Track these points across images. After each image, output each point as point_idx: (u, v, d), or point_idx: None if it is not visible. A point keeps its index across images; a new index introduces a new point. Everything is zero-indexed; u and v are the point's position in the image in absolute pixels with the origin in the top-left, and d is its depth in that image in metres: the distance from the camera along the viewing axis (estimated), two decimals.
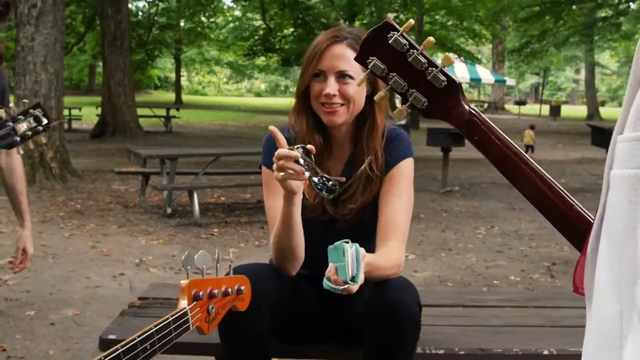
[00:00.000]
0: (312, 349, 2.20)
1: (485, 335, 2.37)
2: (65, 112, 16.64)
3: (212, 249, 1.61)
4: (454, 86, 1.30)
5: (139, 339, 1.23)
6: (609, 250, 0.70)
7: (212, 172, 8.93)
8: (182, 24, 35.18)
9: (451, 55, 1.33)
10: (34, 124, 2.09)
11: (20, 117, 2.07)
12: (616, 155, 0.70)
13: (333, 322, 2.15)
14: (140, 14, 34.62)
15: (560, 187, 1.28)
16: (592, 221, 1.20)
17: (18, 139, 2.07)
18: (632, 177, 0.67)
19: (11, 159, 2.69)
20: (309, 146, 1.83)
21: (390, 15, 23.60)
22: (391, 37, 1.27)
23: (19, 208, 2.70)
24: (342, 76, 2.03)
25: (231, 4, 36.84)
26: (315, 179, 1.83)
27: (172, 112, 21.68)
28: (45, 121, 2.13)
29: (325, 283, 1.68)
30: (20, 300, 4.58)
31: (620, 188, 0.68)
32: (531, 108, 43.85)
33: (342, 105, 2.04)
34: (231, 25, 37.86)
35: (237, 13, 37.57)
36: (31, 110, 2.11)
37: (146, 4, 35.64)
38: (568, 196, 1.27)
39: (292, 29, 28.55)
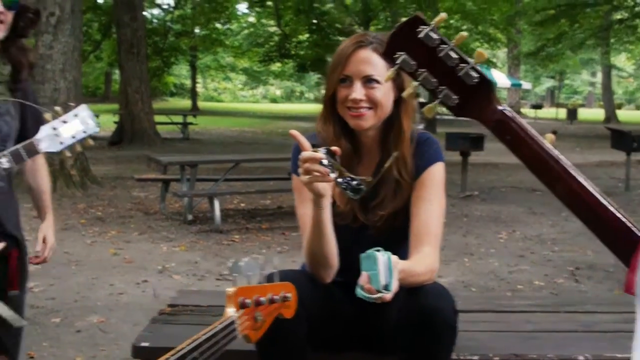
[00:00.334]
0: (346, 356, 2.19)
1: (519, 340, 2.35)
2: None
3: (255, 256, 1.61)
4: (486, 84, 1.25)
5: (189, 347, 1.22)
6: None
7: (231, 179, 8.92)
8: (197, 30, 35.38)
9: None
10: (81, 127, 2.09)
11: (65, 120, 2.07)
12: None
13: (367, 328, 2.14)
14: (156, 21, 34.81)
15: (596, 188, 1.24)
16: (627, 224, 1.18)
17: (64, 143, 2.06)
18: None
19: (35, 160, 2.49)
20: (332, 148, 1.83)
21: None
22: (421, 31, 1.23)
23: (41, 205, 2.54)
24: (368, 81, 2.02)
25: (246, 11, 36.97)
26: (340, 179, 1.83)
27: (189, 118, 21.73)
28: (91, 124, 2.11)
29: (359, 292, 1.68)
30: (45, 308, 4.60)
31: None
32: (547, 112, 43.61)
33: (369, 109, 2.03)
34: (246, 31, 38.04)
35: (252, 19, 37.74)
36: (77, 113, 2.10)
37: (161, 11, 35.89)
38: (605, 198, 1.23)
39: (307, 35, 28.64)
